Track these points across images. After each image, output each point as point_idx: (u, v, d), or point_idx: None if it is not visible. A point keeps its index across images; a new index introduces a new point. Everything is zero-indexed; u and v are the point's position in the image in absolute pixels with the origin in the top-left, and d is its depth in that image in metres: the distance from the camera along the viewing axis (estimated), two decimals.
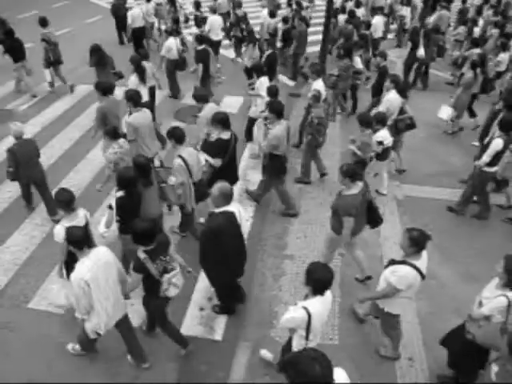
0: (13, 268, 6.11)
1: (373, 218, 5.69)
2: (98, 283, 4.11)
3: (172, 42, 10.40)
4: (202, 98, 7.34)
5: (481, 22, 13.95)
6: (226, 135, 6.34)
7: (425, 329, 5.43)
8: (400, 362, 5.11)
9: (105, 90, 7.33)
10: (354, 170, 5.38)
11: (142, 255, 4.23)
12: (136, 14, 12.88)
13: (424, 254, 4.44)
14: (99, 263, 4.14)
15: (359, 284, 6.05)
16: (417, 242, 4.30)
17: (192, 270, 5.13)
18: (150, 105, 9.39)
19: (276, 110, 6.74)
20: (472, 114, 10.30)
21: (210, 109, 7.12)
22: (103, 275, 4.17)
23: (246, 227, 5.01)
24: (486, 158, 6.78)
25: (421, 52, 12.03)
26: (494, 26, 13.43)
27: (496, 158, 6.79)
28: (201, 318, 5.54)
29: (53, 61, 10.64)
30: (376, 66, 10.05)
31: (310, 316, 3.76)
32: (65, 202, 4.85)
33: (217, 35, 12.28)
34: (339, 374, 2.98)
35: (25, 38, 10.86)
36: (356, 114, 9.15)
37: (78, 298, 4.08)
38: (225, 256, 4.81)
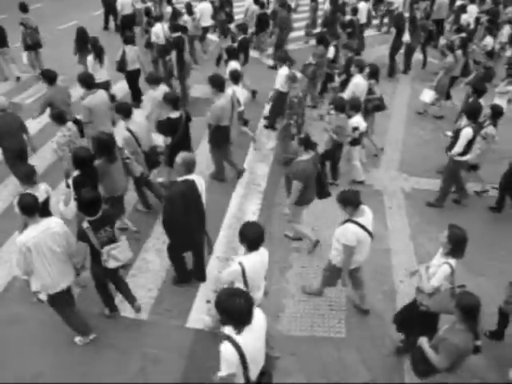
0: None
1: (322, 190, 6.13)
2: (42, 250, 4.35)
3: (159, 28, 10.66)
4: (154, 80, 7.73)
5: (471, 8, 13.76)
6: (174, 114, 6.67)
7: None
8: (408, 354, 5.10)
9: (50, 78, 7.43)
10: (308, 140, 5.83)
11: (85, 225, 4.50)
12: (125, 1, 13.27)
13: (367, 211, 4.89)
14: (47, 232, 4.37)
15: (366, 277, 6.00)
16: (347, 201, 4.76)
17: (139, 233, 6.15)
18: (134, 87, 9.92)
19: (217, 84, 7.12)
20: (448, 97, 10.34)
21: (161, 91, 7.46)
22: (49, 244, 4.38)
23: (204, 198, 5.31)
24: (458, 148, 6.78)
25: (406, 37, 12.06)
26: (486, 14, 13.34)
27: (467, 147, 6.80)
28: (208, 311, 5.53)
29: (31, 44, 10.96)
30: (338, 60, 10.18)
31: (243, 269, 4.09)
32: (25, 175, 5.15)
33: (206, 22, 12.84)
34: (257, 312, 3.40)
35: None
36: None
37: (19, 261, 4.37)
38: (186, 221, 5.08)
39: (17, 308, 5.48)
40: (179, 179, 5.10)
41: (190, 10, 12.34)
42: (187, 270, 5.81)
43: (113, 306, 5.36)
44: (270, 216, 7.13)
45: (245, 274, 4.12)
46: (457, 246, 4.35)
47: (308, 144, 5.82)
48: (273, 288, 5.87)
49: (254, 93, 10.36)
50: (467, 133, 6.69)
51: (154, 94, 7.60)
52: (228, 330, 3.24)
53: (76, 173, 5.41)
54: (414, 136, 9.58)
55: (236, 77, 8.04)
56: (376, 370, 4.90)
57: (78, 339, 5.08)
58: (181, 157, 5.08)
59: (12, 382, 4.69)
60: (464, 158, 6.92)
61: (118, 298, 5.54)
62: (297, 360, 4.99)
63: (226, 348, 3.18)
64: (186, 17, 12.28)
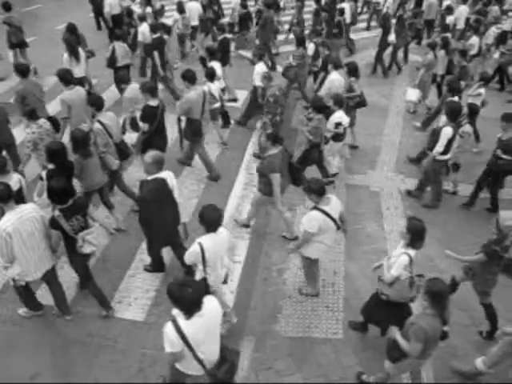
0: None
1: (297, 177, 6.45)
2: (21, 236, 4.50)
3: (145, 27, 10.74)
4: (122, 79, 7.94)
5: (462, 9, 13.83)
6: (153, 102, 6.88)
7: None
8: None
9: (23, 72, 7.44)
10: (276, 136, 6.14)
11: (56, 213, 4.63)
12: (113, 2, 13.30)
13: (333, 200, 5.15)
14: (23, 218, 4.52)
15: (364, 278, 6.03)
16: (312, 190, 5.06)
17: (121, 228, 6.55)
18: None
19: (188, 77, 7.37)
20: (440, 95, 10.43)
21: (132, 89, 7.61)
22: (27, 229, 4.54)
23: (177, 193, 5.47)
24: (439, 148, 6.85)
25: (391, 37, 12.15)
26: (477, 14, 13.39)
27: (447, 146, 6.86)
28: None
29: (15, 43, 10.98)
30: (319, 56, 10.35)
31: (202, 248, 4.34)
32: None
33: (194, 21, 12.95)
34: (211, 300, 3.65)
35: (29, 31, 10.96)
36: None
37: (1, 248, 4.48)
38: (161, 218, 5.25)
39: (12, 309, 5.45)
40: (149, 178, 5.20)
41: (181, 8, 12.45)
42: (162, 262, 6.01)
43: (107, 305, 5.38)
44: (268, 217, 7.14)
45: (204, 254, 4.36)
46: (415, 236, 4.50)
47: (275, 139, 6.10)
48: (270, 289, 5.90)
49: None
50: (447, 132, 6.77)
51: (124, 94, 7.70)
52: (176, 312, 3.53)
53: (51, 166, 5.50)
54: (409, 137, 9.60)
55: (211, 74, 8.20)
56: (373, 371, 4.91)
57: (21, 311, 5.26)
58: (150, 156, 5.18)
59: (9, 382, 4.68)
60: (445, 158, 7.00)
61: (115, 300, 5.57)
62: (294, 361, 5.01)
63: (168, 328, 3.49)
64: (176, 15, 12.45)
